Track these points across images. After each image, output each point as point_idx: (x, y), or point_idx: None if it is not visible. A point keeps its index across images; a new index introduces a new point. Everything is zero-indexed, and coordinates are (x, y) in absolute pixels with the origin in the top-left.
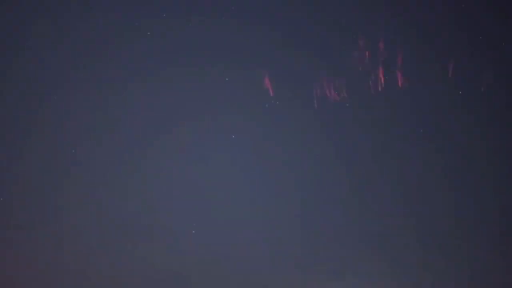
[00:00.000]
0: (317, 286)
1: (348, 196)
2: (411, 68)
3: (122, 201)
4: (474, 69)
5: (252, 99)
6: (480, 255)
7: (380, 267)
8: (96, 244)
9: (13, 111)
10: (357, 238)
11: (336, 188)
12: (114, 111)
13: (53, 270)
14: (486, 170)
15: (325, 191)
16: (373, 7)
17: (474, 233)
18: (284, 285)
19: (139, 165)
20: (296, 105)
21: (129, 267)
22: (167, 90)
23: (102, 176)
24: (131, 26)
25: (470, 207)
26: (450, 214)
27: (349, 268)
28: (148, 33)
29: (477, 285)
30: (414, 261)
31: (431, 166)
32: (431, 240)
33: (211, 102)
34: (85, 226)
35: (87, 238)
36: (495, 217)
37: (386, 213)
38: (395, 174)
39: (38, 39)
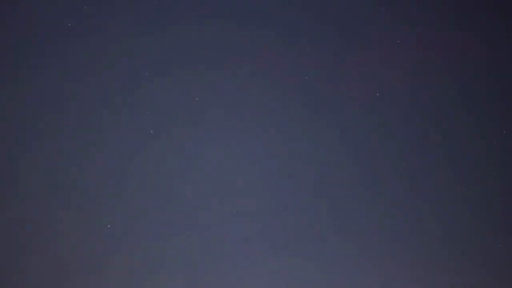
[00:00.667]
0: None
1: (346, 196)
2: (411, 68)
3: (122, 200)
4: (473, 69)
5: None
6: (478, 256)
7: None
8: (96, 245)
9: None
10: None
11: (333, 188)
12: (115, 110)
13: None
14: (486, 170)
15: (323, 192)
16: (373, 6)
17: (473, 233)
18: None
19: (138, 165)
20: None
21: (130, 266)
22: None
23: (102, 176)
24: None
25: (468, 208)
26: (447, 214)
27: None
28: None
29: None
30: (408, 261)
31: (431, 167)
32: (428, 241)
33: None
34: (85, 226)
35: (87, 238)
36: (496, 217)
37: (384, 212)
38: (395, 174)
39: (39, 39)
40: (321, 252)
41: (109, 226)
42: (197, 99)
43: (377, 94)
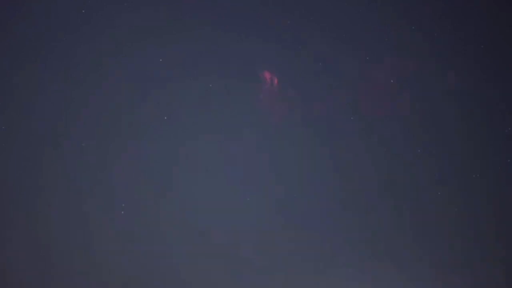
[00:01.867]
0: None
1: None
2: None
3: (122, 200)
4: (473, 75)
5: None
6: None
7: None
8: (96, 245)
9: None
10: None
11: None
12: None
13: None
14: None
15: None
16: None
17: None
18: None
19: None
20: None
21: (129, 267)
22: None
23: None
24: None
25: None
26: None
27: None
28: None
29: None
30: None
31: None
32: (422, 242)
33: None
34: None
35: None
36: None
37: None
38: (388, 178)
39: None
40: (325, 249)
41: (123, 212)
42: (210, 85)
43: (391, 81)
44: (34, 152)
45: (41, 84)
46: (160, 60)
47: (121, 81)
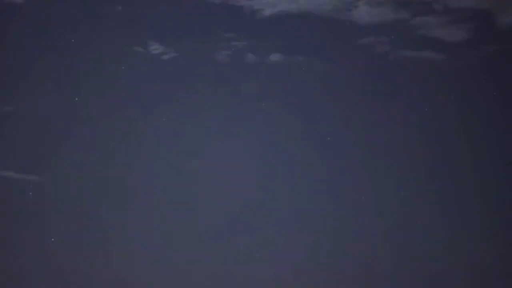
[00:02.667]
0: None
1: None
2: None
3: (119, 200)
4: (472, 75)
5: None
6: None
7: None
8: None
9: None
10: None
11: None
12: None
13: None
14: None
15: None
16: None
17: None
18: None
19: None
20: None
21: (127, 268)
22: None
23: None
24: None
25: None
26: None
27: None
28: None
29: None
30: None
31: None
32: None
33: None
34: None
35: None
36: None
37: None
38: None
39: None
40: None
41: (125, 212)
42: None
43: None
44: (33, 152)
45: (42, 85)
46: (160, 60)
47: (121, 81)
